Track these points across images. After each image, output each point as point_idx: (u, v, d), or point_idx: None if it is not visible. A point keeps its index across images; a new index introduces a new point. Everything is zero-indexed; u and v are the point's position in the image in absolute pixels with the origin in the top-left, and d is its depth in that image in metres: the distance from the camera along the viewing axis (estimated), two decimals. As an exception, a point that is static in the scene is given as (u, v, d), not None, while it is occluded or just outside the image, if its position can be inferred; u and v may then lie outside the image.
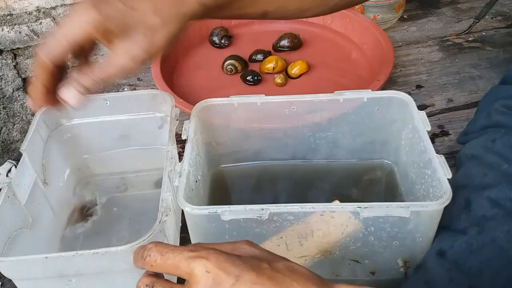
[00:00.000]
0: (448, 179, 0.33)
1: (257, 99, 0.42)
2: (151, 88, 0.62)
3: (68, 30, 0.28)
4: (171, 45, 0.30)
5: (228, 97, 0.42)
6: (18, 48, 0.77)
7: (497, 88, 0.43)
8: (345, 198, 0.43)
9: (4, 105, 0.82)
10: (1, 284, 0.43)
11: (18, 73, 0.80)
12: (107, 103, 0.45)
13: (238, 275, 0.22)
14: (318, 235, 0.34)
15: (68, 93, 0.29)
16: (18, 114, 0.84)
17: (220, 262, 0.22)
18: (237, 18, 0.36)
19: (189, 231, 0.36)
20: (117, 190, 0.49)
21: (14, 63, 0.79)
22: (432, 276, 0.33)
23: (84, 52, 0.30)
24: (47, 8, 0.74)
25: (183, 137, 0.40)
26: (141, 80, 0.66)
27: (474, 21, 0.68)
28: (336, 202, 0.42)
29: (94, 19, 0.27)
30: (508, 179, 0.34)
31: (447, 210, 0.33)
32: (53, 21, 0.75)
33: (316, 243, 0.34)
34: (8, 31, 0.75)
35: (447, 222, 0.35)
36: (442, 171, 0.34)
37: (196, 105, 0.42)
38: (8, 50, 0.77)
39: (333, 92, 0.42)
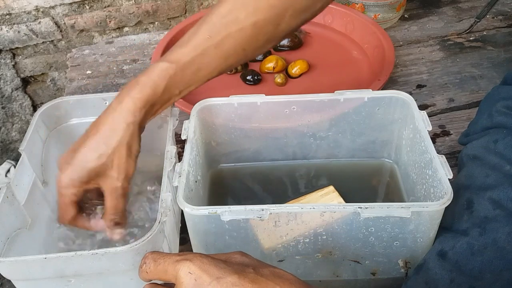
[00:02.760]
0: (449, 179, 0.33)
1: (257, 99, 0.42)
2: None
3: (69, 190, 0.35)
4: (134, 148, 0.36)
5: (228, 97, 0.42)
6: (17, 48, 0.77)
7: (498, 89, 0.43)
8: (345, 198, 0.43)
9: (3, 105, 0.81)
10: (0, 285, 0.43)
11: (17, 72, 0.80)
12: (106, 103, 0.44)
13: (219, 276, 0.22)
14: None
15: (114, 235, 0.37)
16: (17, 114, 0.83)
17: (203, 264, 0.23)
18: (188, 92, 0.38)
19: (189, 231, 0.35)
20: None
21: (13, 63, 0.79)
22: (433, 277, 0.33)
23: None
24: (46, 8, 0.74)
25: (183, 137, 0.39)
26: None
27: (475, 21, 0.68)
28: (331, 187, 0.42)
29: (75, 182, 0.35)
30: (510, 180, 0.34)
31: (449, 211, 0.33)
32: (52, 20, 0.75)
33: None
34: (7, 30, 0.75)
35: (449, 222, 0.35)
36: (443, 171, 0.34)
37: (196, 105, 0.42)
38: (7, 50, 0.77)
39: (333, 92, 0.42)
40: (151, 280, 0.25)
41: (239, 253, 0.25)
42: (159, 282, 0.25)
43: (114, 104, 0.35)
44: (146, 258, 0.25)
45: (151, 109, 0.36)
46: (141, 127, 0.36)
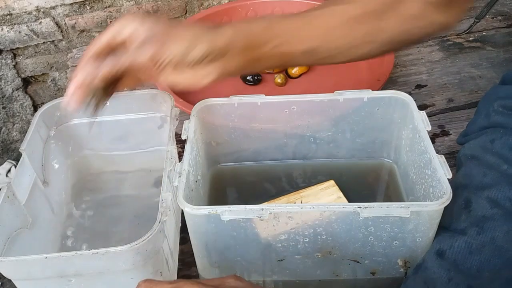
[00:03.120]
0: (449, 179, 0.33)
1: (257, 99, 0.42)
2: (151, 88, 0.62)
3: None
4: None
5: (228, 97, 0.42)
6: (17, 48, 0.77)
7: (495, 89, 0.43)
8: (345, 197, 0.43)
9: (4, 105, 0.82)
10: (1, 284, 0.43)
11: (17, 73, 0.80)
12: (106, 103, 0.45)
13: None
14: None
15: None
16: (17, 114, 0.84)
17: None
18: (280, 65, 0.36)
19: (189, 231, 0.36)
20: (116, 190, 0.49)
21: (13, 63, 0.79)
22: (432, 276, 0.33)
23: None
24: (46, 8, 0.74)
25: (183, 137, 0.39)
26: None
27: (474, 21, 0.68)
28: (331, 181, 0.42)
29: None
30: (508, 179, 0.34)
31: (447, 210, 0.33)
32: (52, 21, 0.75)
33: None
34: (7, 30, 0.75)
35: (447, 222, 0.35)
36: (442, 171, 0.34)
37: (196, 105, 0.42)
38: (7, 50, 0.77)
39: (333, 92, 0.42)
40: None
41: (233, 277, 0.25)
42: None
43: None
44: (139, 286, 0.26)
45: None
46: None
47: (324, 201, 0.42)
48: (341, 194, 0.42)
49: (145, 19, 0.31)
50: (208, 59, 0.31)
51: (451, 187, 0.33)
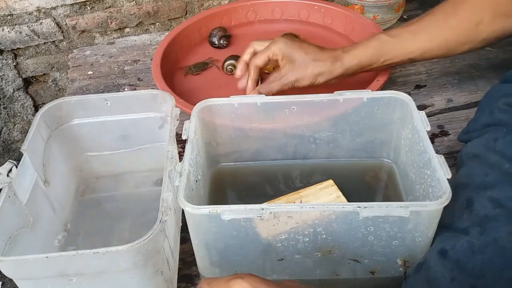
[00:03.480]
0: (448, 179, 0.33)
1: (257, 99, 0.42)
2: (151, 88, 0.62)
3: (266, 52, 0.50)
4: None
5: (228, 97, 0.43)
6: (18, 48, 0.77)
7: (499, 86, 0.43)
8: (345, 197, 0.43)
9: (5, 105, 0.82)
10: (2, 284, 0.43)
11: (18, 73, 0.80)
12: (107, 103, 0.45)
13: None
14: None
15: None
16: (18, 114, 0.84)
17: (254, 282, 0.24)
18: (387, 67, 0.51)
19: (190, 230, 0.36)
20: (117, 190, 0.49)
21: (14, 63, 0.79)
22: (434, 275, 0.33)
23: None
24: (47, 9, 0.74)
25: (183, 137, 0.40)
26: (141, 80, 0.67)
27: (474, 21, 0.68)
28: (330, 181, 0.42)
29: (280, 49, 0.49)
30: (510, 179, 0.34)
31: (449, 210, 0.33)
32: (53, 21, 0.75)
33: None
34: (8, 31, 0.75)
35: (449, 221, 0.35)
36: (441, 171, 0.34)
37: (196, 105, 0.42)
38: (8, 50, 0.77)
39: (333, 92, 0.42)
40: None
41: (289, 281, 0.27)
42: None
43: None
44: (202, 284, 0.27)
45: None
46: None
47: (323, 200, 0.42)
48: (340, 193, 0.42)
49: (294, 47, 0.49)
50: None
51: (452, 186, 0.33)
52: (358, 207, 0.32)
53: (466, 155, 0.39)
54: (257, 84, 0.51)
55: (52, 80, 0.83)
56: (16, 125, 0.84)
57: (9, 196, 0.36)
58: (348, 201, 0.42)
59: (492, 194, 0.34)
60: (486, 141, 0.38)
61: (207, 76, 0.64)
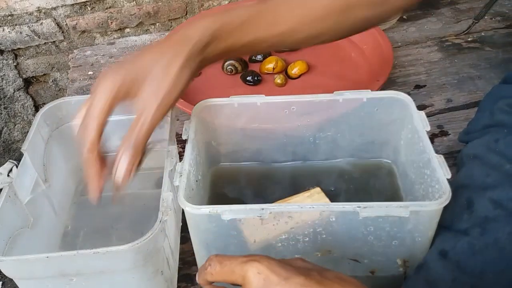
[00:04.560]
0: (448, 179, 0.33)
1: (257, 99, 0.42)
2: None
3: (97, 112, 0.31)
4: (185, 84, 0.32)
5: (228, 97, 0.43)
6: (19, 49, 0.77)
7: (500, 87, 0.43)
8: (344, 197, 0.43)
9: (5, 105, 0.82)
10: (2, 284, 0.43)
11: (19, 73, 0.80)
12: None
13: (287, 277, 0.23)
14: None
15: (120, 166, 0.32)
16: (19, 114, 0.84)
17: (271, 265, 0.23)
18: (243, 52, 0.36)
19: (190, 230, 0.36)
20: (117, 190, 0.49)
21: (15, 64, 0.79)
22: (434, 276, 0.33)
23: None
24: (48, 9, 0.75)
25: (184, 137, 0.40)
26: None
27: (473, 22, 0.68)
28: (317, 189, 0.43)
29: (113, 90, 0.31)
30: (511, 180, 0.34)
31: (449, 210, 0.33)
32: (53, 21, 0.75)
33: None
34: (9, 31, 0.75)
35: (449, 222, 0.35)
36: (441, 171, 0.34)
37: (197, 105, 0.42)
38: (9, 51, 0.77)
39: (332, 92, 0.42)
40: (212, 283, 0.25)
41: (300, 259, 0.26)
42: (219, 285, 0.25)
43: (190, 20, 0.33)
44: (211, 260, 0.25)
45: (223, 41, 0.33)
46: (205, 56, 0.32)
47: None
48: (327, 200, 0.42)
49: (122, 69, 0.31)
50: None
51: (453, 186, 0.33)
52: (358, 207, 0.32)
53: (467, 155, 0.39)
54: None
55: (52, 80, 0.84)
56: (17, 125, 0.84)
57: (9, 196, 0.36)
58: (348, 201, 0.42)
59: (493, 195, 0.34)
60: (487, 142, 0.38)
61: (207, 76, 0.64)
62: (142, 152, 0.32)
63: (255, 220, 0.33)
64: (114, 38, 0.80)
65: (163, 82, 0.31)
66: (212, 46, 0.33)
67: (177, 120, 0.43)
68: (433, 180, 0.35)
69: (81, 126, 0.31)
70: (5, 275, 0.34)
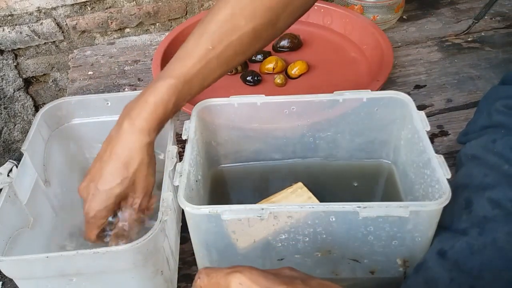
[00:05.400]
0: (448, 179, 0.34)
1: (257, 99, 0.42)
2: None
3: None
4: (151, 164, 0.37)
5: (228, 97, 0.43)
6: (19, 49, 0.77)
7: (497, 88, 0.43)
8: (344, 197, 0.43)
9: (5, 105, 0.82)
10: (2, 284, 0.43)
11: (19, 73, 0.80)
12: (108, 104, 0.45)
13: (268, 286, 0.23)
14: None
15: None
16: (19, 114, 0.84)
17: (253, 276, 0.24)
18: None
19: (190, 230, 0.36)
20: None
21: (15, 64, 0.79)
22: (433, 276, 0.33)
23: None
24: (48, 9, 0.75)
25: (184, 137, 0.40)
26: (142, 80, 0.67)
27: (473, 22, 0.68)
28: (299, 184, 0.43)
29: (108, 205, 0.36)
30: (509, 180, 0.34)
31: (448, 210, 0.33)
32: (53, 21, 0.75)
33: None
34: (9, 31, 0.75)
35: (448, 222, 0.35)
36: (441, 171, 0.34)
37: (197, 105, 0.43)
38: (9, 51, 0.77)
39: (332, 92, 0.42)
40: None
41: (288, 268, 0.26)
42: None
43: (127, 126, 0.35)
44: (200, 273, 0.26)
45: (162, 124, 0.37)
46: (153, 142, 0.37)
47: (295, 202, 0.42)
48: (311, 194, 0.42)
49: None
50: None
51: (451, 186, 0.33)
52: (358, 207, 0.32)
53: (465, 156, 0.39)
54: None
55: (52, 80, 0.84)
56: (17, 125, 0.84)
57: (9, 196, 0.36)
58: (348, 201, 0.42)
59: (491, 195, 0.34)
60: (485, 142, 0.38)
61: (207, 76, 0.64)
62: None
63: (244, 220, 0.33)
64: (114, 38, 0.80)
65: (145, 181, 0.36)
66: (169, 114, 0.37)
67: (177, 120, 0.43)
68: (433, 180, 0.35)
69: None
70: (5, 275, 0.34)
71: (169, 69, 0.37)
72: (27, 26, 0.75)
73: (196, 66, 0.37)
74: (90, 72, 0.70)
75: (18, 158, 0.40)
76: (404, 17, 0.75)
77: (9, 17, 0.74)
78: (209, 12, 0.39)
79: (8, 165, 0.47)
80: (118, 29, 0.79)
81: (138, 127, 0.35)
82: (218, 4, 0.38)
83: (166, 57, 0.62)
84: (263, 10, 0.37)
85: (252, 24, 0.37)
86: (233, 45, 0.37)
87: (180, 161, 0.38)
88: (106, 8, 0.77)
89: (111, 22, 0.78)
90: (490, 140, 0.37)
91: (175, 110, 0.37)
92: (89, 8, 0.76)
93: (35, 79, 0.83)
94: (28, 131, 0.41)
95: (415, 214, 0.33)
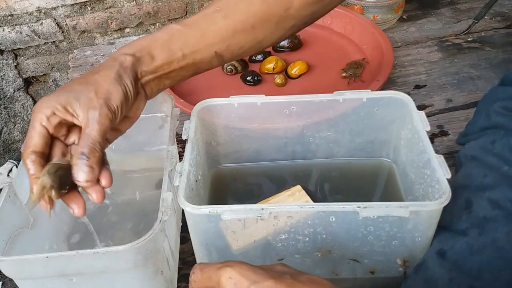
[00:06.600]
0: (448, 179, 0.34)
1: (257, 99, 0.42)
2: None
3: (38, 123, 0.30)
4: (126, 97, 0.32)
5: (228, 97, 0.43)
6: (19, 49, 0.77)
7: (496, 89, 0.43)
8: (344, 197, 0.43)
9: (5, 105, 0.82)
10: (2, 284, 0.43)
11: (19, 73, 0.80)
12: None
13: (256, 280, 0.24)
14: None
15: (79, 171, 0.30)
16: (19, 114, 0.84)
17: (242, 270, 0.24)
18: (193, 72, 0.35)
19: (190, 230, 0.36)
20: (117, 189, 0.49)
21: (15, 63, 0.79)
22: (433, 276, 0.33)
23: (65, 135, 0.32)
24: (48, 9, 0.75)
25: (184, 137, 0.40)
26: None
27: (473, 22, 0.68)
28: (298, 187, 0.43)
29: (52, 107, 0.30)
30: (508, 180, 0.34)
31: (448, 210, 0.33)
32: (53, 21, 0.75)
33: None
34: (9, 31, 0.75)
35: (448, 222, 0.35)
36: (441, 171, 0.34)
37: (196, 105, 0.43)
38: (9, 51, 0.77)
39: (332, 92, 0.42)
40: None
41: (280, 264, 0.26)
42: None
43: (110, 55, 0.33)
44: (195, 269, 0.26)
45: (150, 60, 0.33)
46: (137, 75, 0.32)
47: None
48: (308, 198, 0.42)
49: None
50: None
51: (451, 187, 0.33)
52: (358, 207, 0.32)
53: (464, 156, 0.39)
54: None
55: (52, 80, 0.84)
56: (17, 125, 0.84)
57: (9, 196, 0.36)
58: (348, 201, 0.42)
59: (491, 196, 0.34)
60: (484, 143, 0.38)
61: (207, 76, 0.64)
62: (98, 154, 0.31)
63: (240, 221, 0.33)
64: (114, 38, 0.80)
65: (99, 93, 0.30)
66: (141, 65, 0.33)
67: (177, 120, 0.43)
68: (433, 180, 0.35)
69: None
70: (5, 275, 0.34)
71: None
72: (27, 26, 0.75)
73: (199, 19, 0.34)
74: (90, 72, 0.69)
75: (18, 158, 0.40)
76: (404, 17, 0.74)
77: (9, 17, 0.74)
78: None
79: (8, 165, 0.47)
80: (118, 29, 0.79)
81: (120, 50, 0.33)
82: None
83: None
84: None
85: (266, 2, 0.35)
86: (240, 11, 0.35)
87: (180, 161, 0.38)
88: (106, 8, 0.77)
89: (111, 22, 0.78)
90: (489, 141, 0.37)
91: (167, 55, 0.33)
92: (89, 8, 0.76)
93: (35, 79, 0.83)
94: (28, 131, 0.41)
95: (415, 214, 0.33)
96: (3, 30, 0.74)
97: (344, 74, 0.59)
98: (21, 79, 0.81)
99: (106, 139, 0.32)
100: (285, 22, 0.37)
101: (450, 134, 0.54)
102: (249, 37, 0.36)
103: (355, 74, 0.59)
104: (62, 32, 0.77)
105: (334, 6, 0.40)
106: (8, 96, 0.81)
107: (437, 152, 0.36)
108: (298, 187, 0.43)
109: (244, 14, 0.35)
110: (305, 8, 0.37)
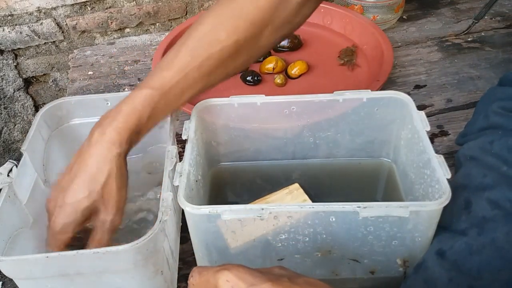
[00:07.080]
0: (447, 179, 0.34)
1: (257, 99, 0.42)
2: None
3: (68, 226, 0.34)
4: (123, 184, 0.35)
5: (228, 97, 0.43)
6: (19, 49, 0.77)
7: (494, 90, 0.43)
8: (344, 197, 0.43)
9: (5, 105, 0.82)
10: (2, 284, 0.43)
11: (19, 73, 0.80)
12: (108, 103, 0.45)
13: (253, 283, 0.24)
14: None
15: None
16: (19, 114, 0.84)
17: (239, 273, 0.24)
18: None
19: (190, 230, 0.36)
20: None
21: (15, 63, 0.79)
22: (432, 276, 0.33)
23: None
24: (48, 9, 0.75)
25: (184, 137, 0.40)
26: (142, 80, 0.67)
27: (473, 22, 0.68)
28: (296, 185, 0.43)
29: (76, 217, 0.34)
30: (508, 180, 0.34)
31: (447, 210, 0.33)
32: (53, 21, 0.75)
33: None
34: (9, 31, 0.75)
35: (447, 222, 0.35)
36: (441, 171, 0.34)
37: (197, 105, 0.43)
38: (9, 51, 0.77)
39: (332, 92, 0.42)
40: None
41: (278, 267, 0.26)
42: None
43: (97, 136, 0.34)
44: (193, 272, 0.26)
45: (136, 137, 0.35)
46: (126, 155, 0.35)
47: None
48: (306, 196, 0.42)
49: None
50: None
51: (451, 187, 0.33)
52: (358, 207, 0.32)
53: (464, 157, 0.39)
54: None
55: (52, 80, 0.84)
56: (17, 125, 0.84)
57: (9, 196, 0.36)
58: (348, 201, 0.42)
59: (490, 196, 0.34)
60: (482, 143, 0.38)
61: (207, 76, 0.64)
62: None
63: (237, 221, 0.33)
64: (114, 38, 0.80)
65: (112, 193, 0.34)
66: (132, 144, 0.35)
67: (177, 120, 0.43)
68: (433, 180, 0.35)
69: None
70: (5, 275, 0.34)
71: (147, 80, 0.36)
72: (27, 26, 0.75)
73: (174, 78, 0.35)
74: (90, 72, 0.70)
75: (18, 158, 0.40)
76: (404, 17, 0.75)
77: (9, 17, 0.74)
78: (191, 26, 0.38)
79: (8, 165, 0.47)
80: (118, 29, 0.79)
81: (108, 137, 0.33)
82: (200, 18, 0.38)
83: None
84: (245, 25, 0.36)
85: (233, 37, 0.36)
86: (213, 58, 0.36)
87: (180, 161, 0.38)
88: (106, 8, 0.77)
89: (111, 22, 0.78)
90: (488, 142, 0.37)
91: (152, 122, 0.36)
92: (89, 8, 0.76)
93: (35, 79, 0.83)
94: (28, 131, 0.41)
95: (415, 214, 0.33)
96: (3, 30, 0.74)
97: (341, 62, 0.61)
98: (21, 79, 0.81)
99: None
100: (256, 53, 0.39)
101: (450, 134, 0.54)
102: (221, 75, 0.38)
103: (351, 61, 0.60)
104: (62, 32, 0.77)
105: (299, 26, 0.41)
106: (8, 96, 0.81)
107: (437, 152, 0.36)
108: (296, 185, 0.43)
109: (216, 60, 0.36)
110: (275, 34, 0.38)
